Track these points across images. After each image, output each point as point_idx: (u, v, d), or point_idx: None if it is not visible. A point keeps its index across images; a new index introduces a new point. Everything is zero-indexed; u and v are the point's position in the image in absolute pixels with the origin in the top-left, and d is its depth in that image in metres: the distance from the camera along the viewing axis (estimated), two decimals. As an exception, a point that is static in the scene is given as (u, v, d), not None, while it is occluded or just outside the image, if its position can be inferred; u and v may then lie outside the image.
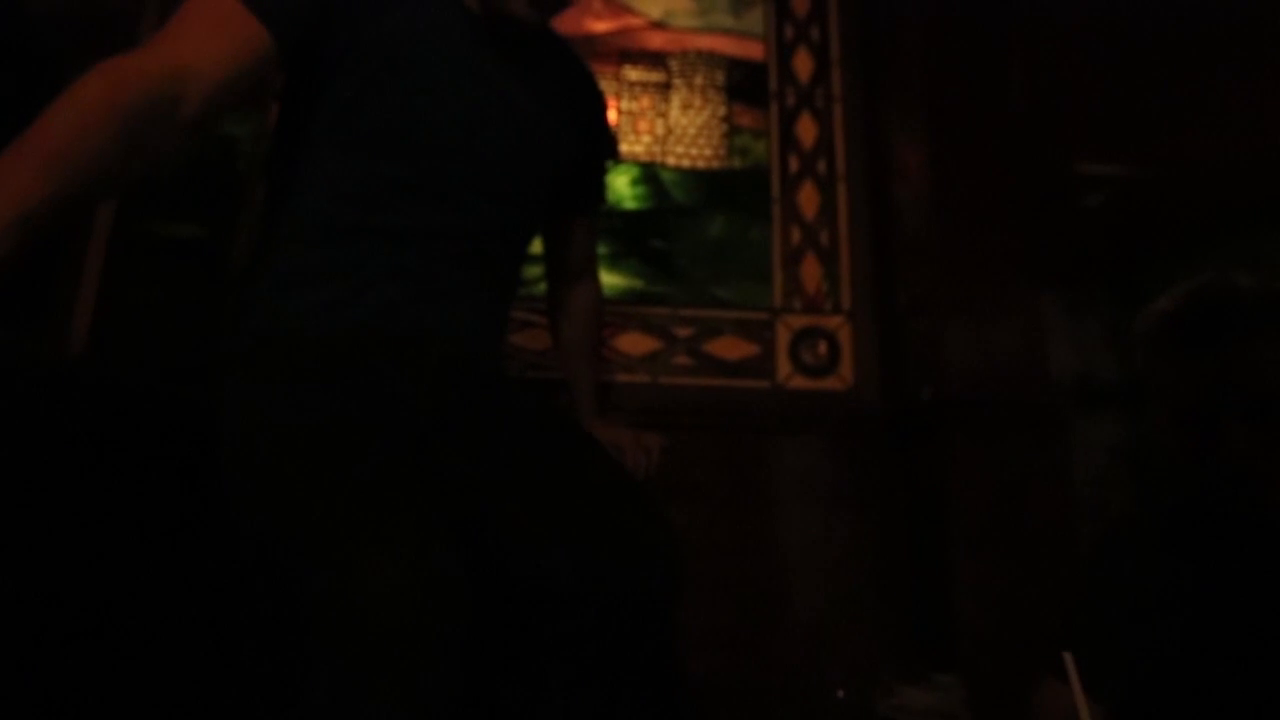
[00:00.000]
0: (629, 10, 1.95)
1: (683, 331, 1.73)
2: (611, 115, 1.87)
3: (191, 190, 1.51)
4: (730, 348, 1.75)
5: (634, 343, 1.72)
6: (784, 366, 1.74)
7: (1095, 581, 0.88)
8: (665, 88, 1.91)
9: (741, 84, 1.91)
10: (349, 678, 0.57)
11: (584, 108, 1.03)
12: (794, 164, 1.86)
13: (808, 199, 1.84)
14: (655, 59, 1.92)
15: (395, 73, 0.83)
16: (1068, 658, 0.62)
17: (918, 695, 0.73)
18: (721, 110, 1.90)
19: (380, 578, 0.58)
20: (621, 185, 1.84)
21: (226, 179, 1.61)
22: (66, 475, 1.00)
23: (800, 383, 1.73)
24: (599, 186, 1.09)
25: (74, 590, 1.00)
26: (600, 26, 1.93)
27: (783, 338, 1.76)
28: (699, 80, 1.91)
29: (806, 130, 1.88)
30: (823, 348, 1.75)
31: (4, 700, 0.87)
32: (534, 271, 1.37)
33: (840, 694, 0.80)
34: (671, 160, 1.86)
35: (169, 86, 0.67)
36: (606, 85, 1.89)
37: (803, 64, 1.93)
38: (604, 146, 1.08)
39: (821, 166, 1.86)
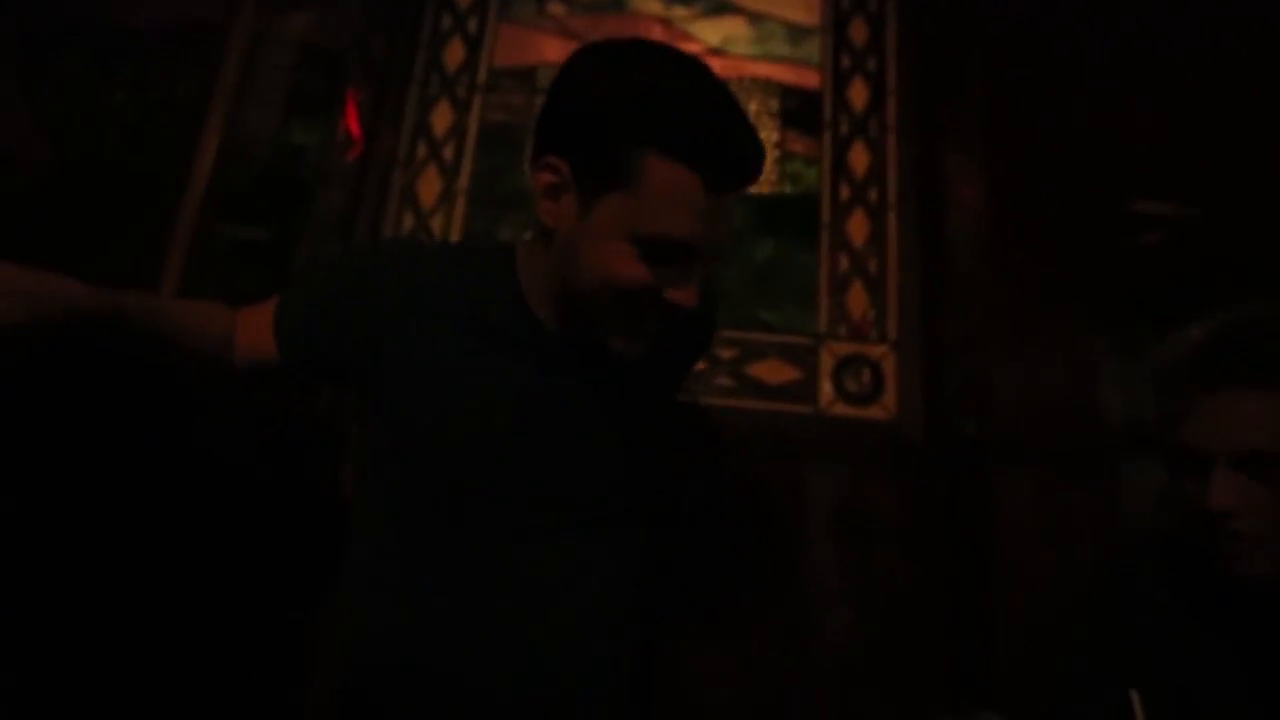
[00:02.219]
0: (688, 36, 1.99)
1: (726, 353, 1.74)
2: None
3: (262, 197, 1.58)
4: (773, 371, 1.76)
5: (678, 362, 1.74)
6: (826, 392, 1.75)
7: (1092, 612, 0.87)
8: (720, 112, 1.94)
9: (796, 111, 1.93)
10: None
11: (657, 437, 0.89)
12: (845, 192, 1.87)
13: (857, 227, 1.85)
14: (712, 84, 1.95)
15: (437, 440, 0.76)
16: (1134, 695, 0.62)
17: (962, 732, 0.73)
18: (775, 136, 1.92)
19: None
20: (672, 206, 1.87)
21: (293, 186, 1.69)
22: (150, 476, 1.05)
23: (842, 410, 1.73)
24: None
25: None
26: (659, 51, 1.98)
27: (826, 364, 1.76)
28: (754, 106, 1.94)
29: (859, 159, 1.89)
30: (866, 376, 1.75)
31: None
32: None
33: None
34: (723, 184, 1.89)
35: (228, 350, 0.81)
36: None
37: (858, 93, 1.94)
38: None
39: (873, 195, 1.87)
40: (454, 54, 1.96)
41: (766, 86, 1.95)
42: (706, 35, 1.99)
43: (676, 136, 0.64)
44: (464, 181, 1.87)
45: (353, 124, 1.80)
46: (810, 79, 1.96)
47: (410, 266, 0.79)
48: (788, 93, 1.95)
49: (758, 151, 0.68)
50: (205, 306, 0.84)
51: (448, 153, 1.89)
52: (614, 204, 0.66)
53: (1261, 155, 2.09)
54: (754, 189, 1.86)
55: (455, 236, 1.83)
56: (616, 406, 0.80)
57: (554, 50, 1.97)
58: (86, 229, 1.09)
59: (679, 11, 2.00)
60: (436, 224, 1.84)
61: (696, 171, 0.64)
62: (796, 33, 1.99)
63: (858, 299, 1.80)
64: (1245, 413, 0.70)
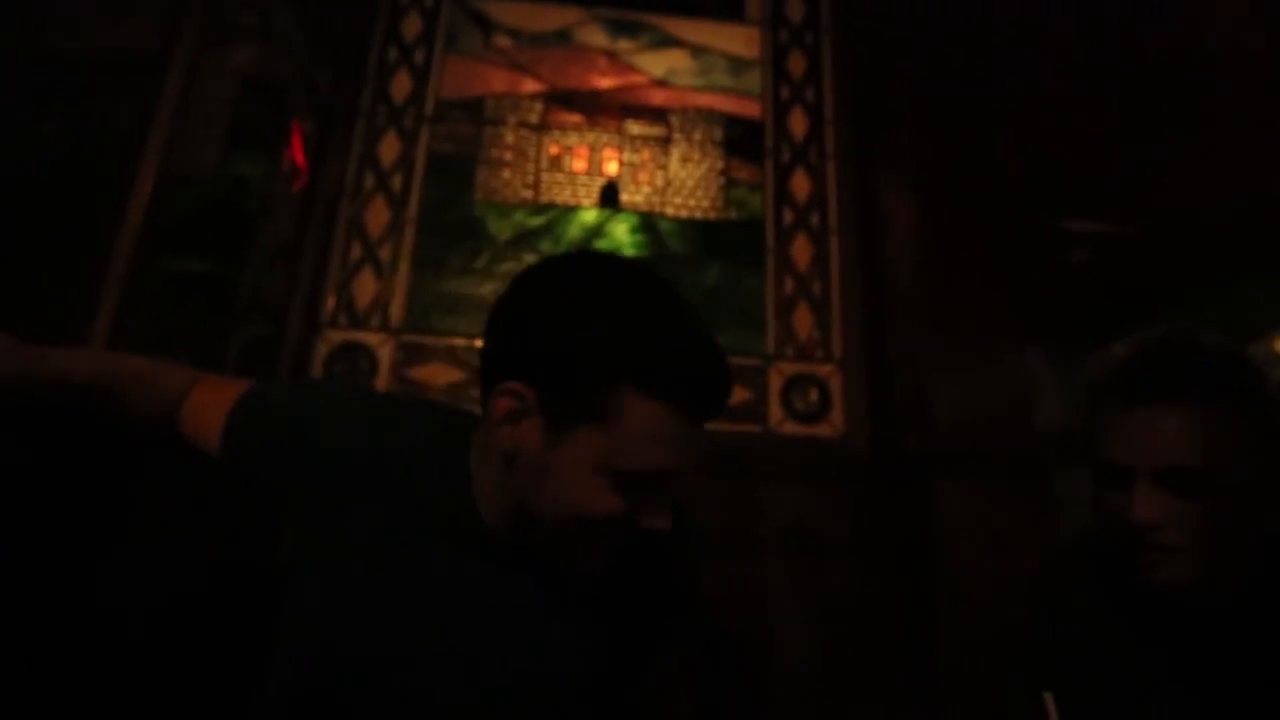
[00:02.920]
0: (633, 68, 2.04)
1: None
2: (613, 167, 1.95)
3: (204, 228, 1.56)
4: (724, 393, 1.78)
5: (629, 385, 1.75)
6: (776, 412, 1.78)
7: (1028, 615, 0.89)
8: (666, 142, 1.99)
9: (739, 140, 1.99)
10: None
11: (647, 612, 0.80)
12: (788, 217, 1.93)
13: (801, 250, 1.90)
14: (657, 114, 2.00)
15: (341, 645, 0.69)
16: (1047, 697, 0.63)
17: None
18: (719, 164, 1.97)
19: None
20: (621, 233, 1.90)
21: (236, 218, 1.67)
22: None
23: (792, 428, 1.77)
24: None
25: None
26: (605, 83, 2.02)
27: (775, 384, 1.80)
28: (698, 135, 1.99)
29: (800, 185, 1.96)
30: (814, 394, 1.79)
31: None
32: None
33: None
34: (670, 210, 1.93)
35: (173, 419, 0.83)
36: (609, 138, 1.97)
37: (798, 123, 2.01)
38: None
39: (815, 220, 1.93)
40: (401, 86, 1.97)
41: (710, 116, 2.01)
42: (651, 67, 2.04)
43: (655, 375, 0.62)
44: (412, 211, 1.87)
45: (298, 155, 1.79)
46: (752, 109, 2.02)
47: (371, 440, 0.74)
48: (731, 122, 2.01)
49: (728, 376, 0.66)
50: (158, 370, 0.84)
51: (395, 182, 1.89)
52: (587, 438, 0.62)
53: (1187, 173, 2.21)
54: (702, 215, 1.92)
55: (404, 265, 1.83)
56: (571, 608, 0.74)
57: (501, 82, 2.00)
58: (19, 258, 1.06)
59: (624, 44, 2.05)
60: (385, 253, 1.83)
61: (674, 406, 0.62)
62: (738, 65, 2.06)
63: (804, 320, 1.85)
64: (1165, 429, 0.72)
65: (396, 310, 1.80)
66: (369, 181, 1.89)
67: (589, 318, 0.63)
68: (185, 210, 1.46)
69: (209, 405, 0.80)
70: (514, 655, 0.70)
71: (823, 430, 1.76)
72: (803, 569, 1.55)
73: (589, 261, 0.72)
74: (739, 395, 1.79)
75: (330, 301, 1.79)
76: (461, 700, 0.69)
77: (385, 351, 1.77)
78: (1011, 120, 1.93)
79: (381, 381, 1.74)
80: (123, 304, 1.17)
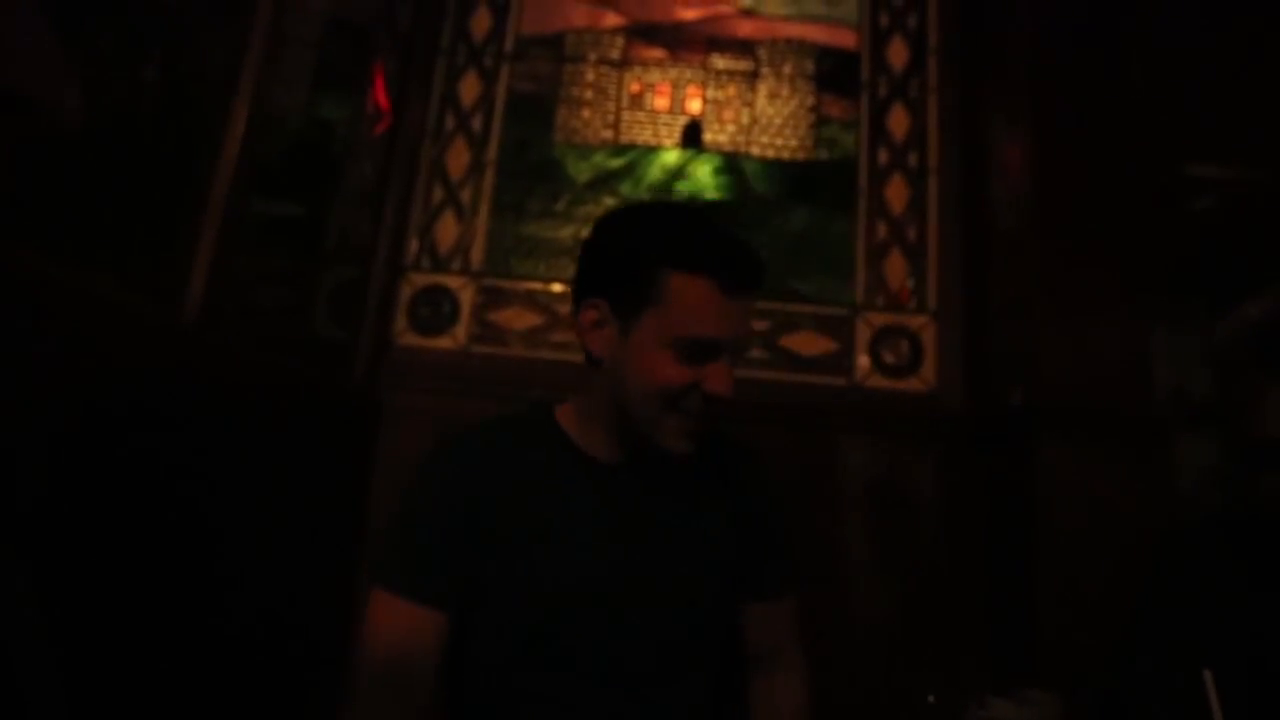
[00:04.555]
0: (720, -3, 1.93)
1: (759, 324, 1.71)
2: (696, 105, 1.87)
3: (292, 171, 1.58)
4: (807, 343, 1.72)
5: (710, 334, 1.72)
6: (863, 364, 1.71)
7: (1154, 586, 0.84)
8: (753, 76, 1.88)
9: (832, 73, 1.87)
10: None
11: (740, 523, 0.94)
12: (883, 157, 1.81)
13: (896, 193, 1.79)
14: (744, 47, 1.90)
15: (530, 583, 0.83)
16: (1208, 675, 0.59)
17: (1011, 709, 0.70)
18: (810, 100, 1.86)
19: None
20: (704, 175, 1.83)
21: (322, 160, 1.68)
22: (182, 435, 1.07)
23: (879, 382, 1.70)
24: (772, 577, 0.97)
25: (171, 552, 1.07)
26: (689, 14, 1.92)
27: (863, 335, 1.72)
28: (787, 69, 1.88)
29: (898, 122, 1.83)
30: (905, 347, 1.71)
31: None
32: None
33: (932, 699, 0.78)
34: (756, 150, 1.84)
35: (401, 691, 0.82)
36: (693, 74, 1.88)
37: (897, 53, 1.87)
38: (771, 539, 0.97)
39: (913, 159, 1.80)
40: (480, 23, 1.93)
41: (801, 48, 1.89)
42: (738, -4, 1.93)
43: (691, 254, 0.80)
44: (492, 153, 1.85)
45: (380, 97, 1.79)
46: (847, 39, 1.89)
47: (483, 463, 0.86)
48: (823, 54, 1.89)
49: (757, 260, 0.83)
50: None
51: (475, 123, 1.87)
52: (649, 320, 0.80)
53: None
54: (789, 156, 1.82)
55: (485, 207, 1.82)
56: (686, 512, 0.90)
57: (581, 16, 1.93)
58: (120, 200, 1.09)
59: (710, -28, 1.94)
60: (466, 195, 1.83)
61: (710, 279, 0.79)
62: (832, -9, 1.92)
63: (896, 268, 1.75)
64: None
65: (477, 254, 1.80)
66: (450, 123, 1.87)
67: (638, 230, 0.85)
68: (275, 153, 1.48)
69: (410, 637, 0.81)
70: (654, 566, 0.87)
71: (913, 385, 1.68)
72: (890, 527, 1.50)
73: (638, 203, 0.98)
74: (823, 346, 1.72)
75: (414, 244, 1.81)
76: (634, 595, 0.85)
77: (466, 295, 1.78)
78: (1137, 55, 1.74)
79: (463, 326, 1.76)
80: (220, 244, 1.19)
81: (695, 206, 0.94)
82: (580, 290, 0.87)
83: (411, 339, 1.76)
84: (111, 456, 0.94)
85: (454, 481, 0.85)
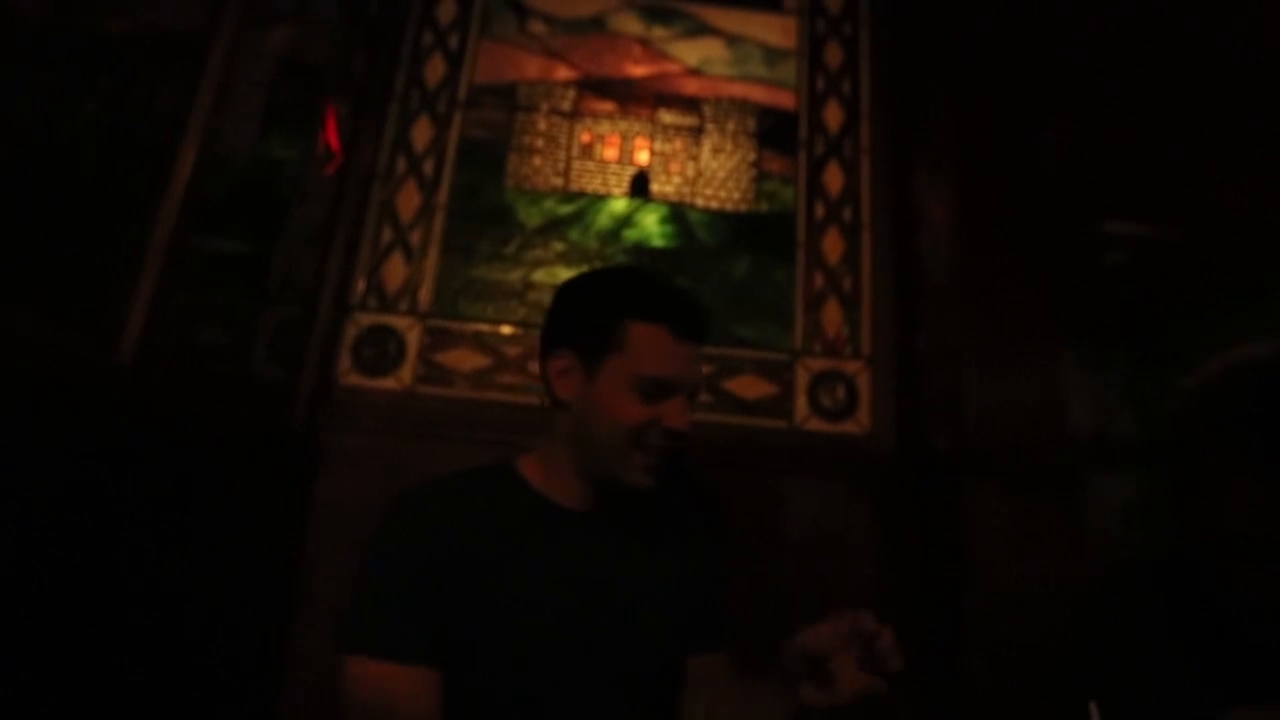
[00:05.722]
0: (666, 56, 2.02)
1: (704, 368, 1.75)
2: (644, 156, 1.94)
3: (239, 209, 1.57)
4: (750, 387, 1.78)
5: (655, 377, 1.75)
6: (802, 408, 1.77)
7: (1082, 629, 0.87)
8: (698, 132, 1.97)
9: (772, 132, 1.97)
10: None
11: (694, 572, 0.99)
12: (820, 210, 1.91)
13: (832, 245, 1.88)
14: (690, 104, 1.99)
15: (496, 631, 0.85)
16: (1093, 707, 0.62)
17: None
18: (751, 155, 1.95)
19: None
20: (651, 223, 1.90)
21: (270, 199, 1.68)
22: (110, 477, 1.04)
23: (817, 425, 1.75)
24: (720, 631, 1.00)
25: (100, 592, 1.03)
26: (639, 71, 2.01)
27: (802, 379, 1.79)
28: (731, 126, 1.97)
29: (834, 178, 1.93)
30: (841, 391, 1.77)
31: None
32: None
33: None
34: (701, 201, 1.92)
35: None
36: (641, 127, 1.96)
37: (833, 115, 1.98)
38: (720, 591, 1.01)
39: (847, 214, 1.90)
40: (435, 70, 1.97)
41: (743, 106, 1.99)
42: (685, 56, 2.02)
43: (648, 305, 0.90)
44: (443, 196, 1.88)
45: (332, 137, 1.80)
46: (786, 100, 2.00)
47: (445, 515, 0.88)
48: (764, 113, 1.99)
49: (704, 310, 0.94)
50: None
51: (427, 167, 1.90)
52: (612, 365, 0.89)
53: (1229, 175, 2.15)
54: (732, 207, 1.90)
55: (434, 250, 1.83)
56: (646, 558, 0.96)
57: (535, 68, 2.00)
58: (62, 234, 1.08)
59: (658, 32, 2.04)
60: (415, 237, 1.84)
61: (666, 325, 0.89)
62: (773, 55, 2.04)
63: (833, 316, 1.83)
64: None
65: (425, 295, 1.81)
66: (401, 166, 1.89)
67: (601, 287, 0.96)
68: (223, 191, 1.48)
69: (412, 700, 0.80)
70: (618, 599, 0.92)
71: (850, 428, 1.75)
72: (827, 566, 1.54)
73: (602, 267, 1.12)
74: (764, 389, 1.78)
75: (360, 284, 1.81)
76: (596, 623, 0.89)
77: (413, 336, 1.78)
78: (1054, 114, 1.88)
79: (409, 366, 1.76)
80: (162, 280, 1.18)
81: (649, 269, 1.04)
82: (548, 343, 0.95)
83: (355, 379, 1.74)
84: (32, 499, 0.90)
85: (419, 534, 0.85)
